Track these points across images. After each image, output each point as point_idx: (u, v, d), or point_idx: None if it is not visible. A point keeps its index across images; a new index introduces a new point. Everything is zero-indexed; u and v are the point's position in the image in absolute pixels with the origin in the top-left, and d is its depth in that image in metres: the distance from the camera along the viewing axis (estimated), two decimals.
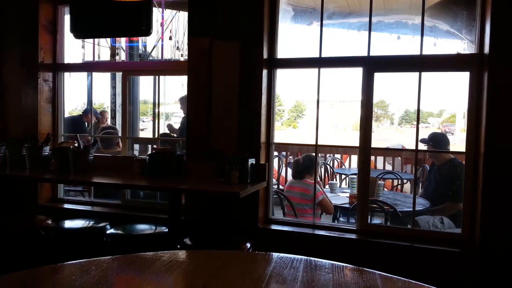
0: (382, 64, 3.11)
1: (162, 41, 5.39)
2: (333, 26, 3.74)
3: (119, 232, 2.91)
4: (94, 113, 5.59)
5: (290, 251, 1.67)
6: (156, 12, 4.51)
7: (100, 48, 5.80)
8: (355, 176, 3.75)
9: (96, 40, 5.26)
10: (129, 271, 1.44)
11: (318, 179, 5.57)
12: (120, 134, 4.16)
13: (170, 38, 5.65)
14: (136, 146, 5.15)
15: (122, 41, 5.85)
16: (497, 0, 2.67)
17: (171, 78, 4.43)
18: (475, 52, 2.87)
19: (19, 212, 3.65)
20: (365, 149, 3.11)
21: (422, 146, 3.78)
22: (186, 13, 3.65)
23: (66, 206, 3.85)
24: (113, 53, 5.84)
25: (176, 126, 5.15)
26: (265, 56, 3.20)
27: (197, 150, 3.29)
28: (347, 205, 3.87)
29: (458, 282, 2.78)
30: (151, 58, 5.90)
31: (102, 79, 6.86)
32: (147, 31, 3.37)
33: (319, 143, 3.33)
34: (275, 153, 5.86)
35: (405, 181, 5.86)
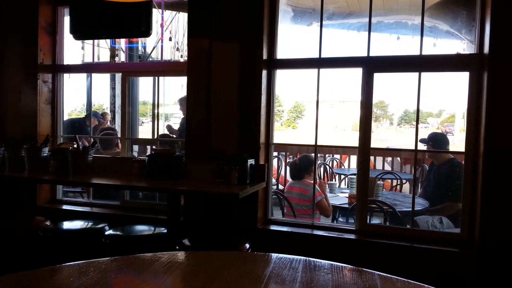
0: (381, 65, 3.11)
1: (162, 42, 5.39)
2: (333, 26, 3.74)
3: (118, 233, 2.90)
4: (96, 116, 5.59)
5: (289, 251, 1.67)
6: (156, 13, 4.51)
7: (100, 49, 5.80)
8: (354, 176, 3.75)
9: (96, 41, 5.26)
10: (127, 272, 1.44)
11: (318, 179, 5.57)
12: (119, 135, 4.16)
13: (170, 39, 5.65)
14: (135, 147, 5.15)
15: (122, 42, 5.85)
16: (496, 0, 2.67)
17: (171, 79, 4.43)
18: (475, 52, 2.87)
19: (18, 213, 3.64)
20: (364, 149, 3.11)
21: (421, 146, 3.78)
22: (186, 14, 3.65)
23: (65, 207, 3.84)
24: (113, 54, 5.84)
25: (176, 127, 5.15)
26: (264, 56, 3.20)
27: (197, 151, 3.29)
28: (346, 205, 3.87)
29: (457, 282, 2.78)
30: (150, 59, 5.90)
31: (101, 80, 6.87)
32: (146, 32, 3.37)
33: (318, 143, 3.33)
34: (275, 154, 5.86)
35: (404, 181, 5.86)
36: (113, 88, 6.55)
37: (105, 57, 5.92)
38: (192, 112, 3.32)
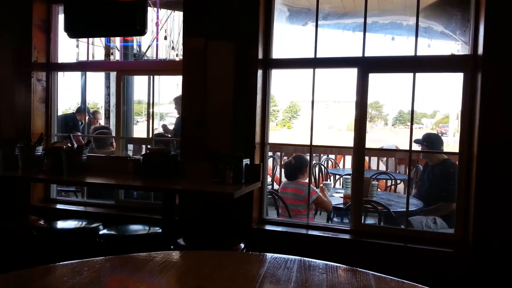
0: (376, 65, 3.12)
1: (157, 41, 5.37)
2: (328, 26, 3.75)
3: (112, 232, 2.89)
4: (87, 112, 5.56)
5: (284, 251, 1.67)
6: (151, 11, 4.50)
7: (94, 48, 5.77)
8: (349, 177, 3.75)
9: (90, 39, 5.24)
10: (122, 272, 1.43)
11: (314, 182, 5.58)
12: (114, 134, 4.14)
13: (165, 38, 5.63)
14: (130, 146, 5.13)
15: (117, 41, 5.82)
16: (491, 1, 2.69)
17: (166, 78, 4.42)
18: (469, 53, 2.89)
19: (12, 212, 3.62)
20: (359, 150, 3.12)
21: (416, 147, 3.79)
22: (181, 13, 3.64)
23: (59, 206, 3.82)
24: (108, 53, 5.81)
25: (171, 126, 5.13)
26: (260, 56, 3.20)
27: (192, 150, 3.28)
28: (341, 205, 3.88)
29: (451, 282, 2.80)
30: (145, 58, 5.88)
31: (96, 79, 6.83)
32: (142, 31, 3.35)
33: (313, 143, 3.33)
34: (269, 153, 5.86)
35: (398, 181, 5.89)
36: (107, 87, 6.51)
37: (99, 55, 5.89)
38: (187, 111, 3.32)
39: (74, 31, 3.58)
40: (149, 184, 3.04)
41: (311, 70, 3.24)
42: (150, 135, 4.02)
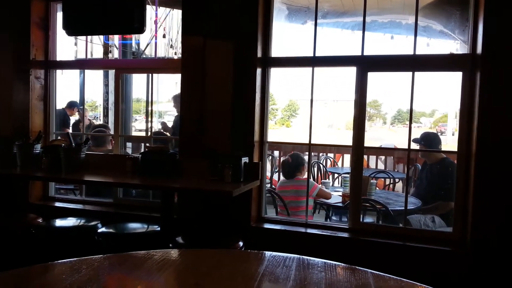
0: (375, 64, 3.12)
1: (156, 39, 5.36)
2: (327, 25, 3.75)
3: (111, 230, 2.89)
4: (76, 106, 5.53)
5: (283, 249, 1.67)
6: (150, 9, 4.49)
7: (93, 46, 5.76)
8: (348, 175, 3.76)
9: (89, 37, 5.22)
10: (120, 270, 1.43)
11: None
12: (112, 132, 4.13)
13: (164, 36, 5.63)
14: (129, 144, 5.12)
15: (115, 39, 5.81)
16: (490, 0, 2.69)
17: (165, 76, 4.41)
18: (468, 52, 2.89)
19: (10, 210, 3.61)
20: (358, 148, 3.12)
21: (414, 146, 3.80)
22: (180, 11, 3.63)
23: (57, 204, 3.82)
24: (106, 51, 5.80)
25: (169, 124, 5.13)
26: (259, 54, 3.20)
27: (190, 149, 3.28)
28: (340, 204, 3.88)
29: (449, 280, 2.80)
30: (144, 56, 5.87)
31: (94, 77, 6.82)
32: (140, 29, 3.33)
33: (312, 142, 3.33)
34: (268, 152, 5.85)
35: (397, 180, 5.90)
36: (106, 85, 6.51)
37: (98, 53, 5.88)
38: (186, 109, 3.31)
39: (72, 29, 3.56)
40: (147, 182, 3.03)
41: (310, 68, 3.24)
42: (149, 133, 4.01)
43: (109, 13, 3.30)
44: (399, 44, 3.73)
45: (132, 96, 5.38)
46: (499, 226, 2.71)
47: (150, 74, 3.89)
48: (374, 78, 3.11)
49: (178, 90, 3.51)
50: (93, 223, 3.10)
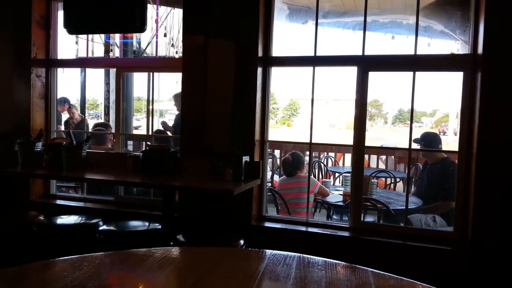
0: (376, 64, 3.12)
1: (157, 38, 5.37)
2: (328, 25, 3.75)
3: (112, 228, 2.89)
4: (67, 102, 5.52)
5: (284, 248, 1.67)
6: (151, 8, 4.49)
7: (94, 44, 5.77)
8: (349, 174, 3.77)
9: (90, 36, 5.23)
10: (121, 268, 1.44)
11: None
12: (113, 131, 4.14)
13: (165, 35, 5.63)
14: (130, 142, 5.13)
15: (116, 38, 5.82)
16: (490, 1, 2.69)
17: (166, 75, 4.42)
18: (469, 52, 2.89)
19: (11, 208, 3.62)
20: (359, 148, 3.13)
21: (415, 146, 3.80)
22: (181, 10, 3.63)
23: (59, 202, 3.82)
24: (107, 50, 5.81)
25: (170, 123, 5.13)
26: (260, 54, 3.20)
27: (191, 147, 3.28)
28: (341, 203, 3.89)
29: (449, 280, 2.81)
30: (145, 55, 5.88)
31: (95, 76, 6.83)
32: (141, 28, 3.34)
33: (313, 141, 3.34)
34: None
35: (398, 179, 5.89)
36: (107, 84, 6.51)
37: (99, 52, 5.89)
38: (187, 108, 3.32)
39: (73, 28, 3.57)
40: (148, 180, 3.04)
41: (311, 68, 3.24)
42: (150, 132, 4.02)
43: (110, 12, 3.30)
44: (400, 44, 3.73)
45: (133, 95, 5.39)
46: (500, 226, 2.71)
47: (151, 73, 3.89)
48: (375, 77, 3.11)
49: (179, 89, 3.52)
50: (94, 220, 3.10)
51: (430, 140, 4.08)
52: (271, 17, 3.28)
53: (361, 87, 3.09)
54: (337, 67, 3.41)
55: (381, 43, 3.74)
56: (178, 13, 5.51)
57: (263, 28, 3.23)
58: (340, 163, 7.38)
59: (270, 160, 6.54)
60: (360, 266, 1.42)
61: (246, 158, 3.05)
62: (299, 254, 1.51)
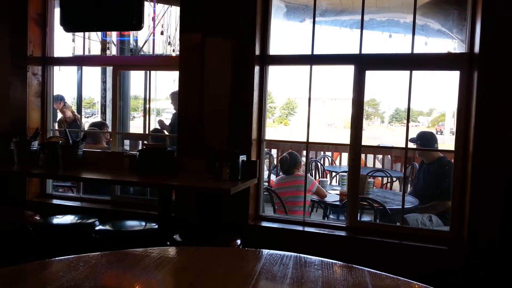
0: (373, 62, 3.12)
1: (154, 36, 5.35)
2: (326, 23, 3.75)
3: (108, 228, 2.89)
4: (62, 100, 5.50)
5: (280, 248, 1.68)
6: (148, 6, 4.48)
7: (91, 42, 5.75)
8: (346, 174, 3.77)
9: (87, 34, 5.21)
10: (118, 267, 1.43)
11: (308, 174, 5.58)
12: (110, 130, 4.12)
13: (162, 33, 5.62)
14: (126, 142, 5.11)
15: (113, 35, 5.79)
16: (487, 0, 2.69)
17: (163, 74, 4.41)
18: (466, 51, 2.90)
19: (7, 207, 3.60)
20: (355, 147, 3.13)
21: (411, 145, 3.80)
22: (178, 8, 3.62)
23: (55, 201, 3.81)
24: (104, 47, 5.79)
25: (167, 122, 5.12)
26: (257, 52, 3.19)
27: (188, 146, 3.27)
28: (338, 203, 3.89)
29: (446, 279, 2.81)
30: (142, 53, 5.85)
31: (92, 74, 6.80)
32: (138, 25, 3.32)
33: (310, 140, 3.34)
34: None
35: (394, 179, 5.91)
36: (104, 82, 6.49)
37: (96, 50, 5.86)
38: (184, 107, 3.31)
39: (70, 25, 3.55)
40: (145, 180, 3.03)
41: (308, 67, 3.24)
42: (147, 131, 4.01)
43: (107, 10, 3.29)
44: (397, 42, 3.73)
45: (130, 93, 5.37)
46: (496, 225, 2.72)
47: (148, 71, 3.88)
48: (372, 76, 3.11)
49: (176, 87, 3.50)
50: (90, 220, 3.09)
51: (426, 140, 4.09)
52: (269, 15, 3.27)
53: (358, 86, 3.09)
54: (334, 66, 3.41)
55: (378, 42, 3.74)
56: (175, 10, 5.49)
57: (261, 26, 3.23)
58: (337, 163, 7.38)
59: (267, 159, 6.54)
60: (356, 266, 1.42)
61: (243, 157, 3.04)
62: (296, 254, 1.51)
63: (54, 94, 4.09)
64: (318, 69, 3.27)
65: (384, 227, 3.17)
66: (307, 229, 3.17)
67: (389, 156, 6.98)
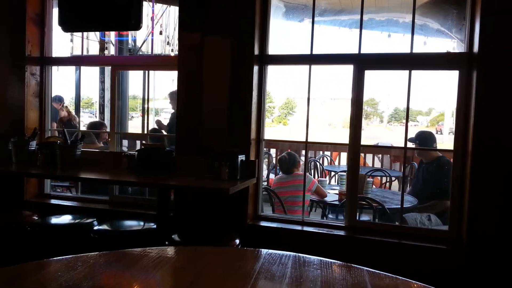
0: (372, 62, 3.12)
1: (152, 35, 5.34)
2: (325, 23, 3.75)
3: (107, 228, 2.88)
4: (60, 101, 5.49)
5: (279, 247, 1.67)
6: (147, 6, 4.47)
7: (89, 42, 5.73)
8: (345, 173, 3.77)
9: (85, 34, 5.19)
10: (116, 267, 1.43)
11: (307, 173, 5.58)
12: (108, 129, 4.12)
13: (161, 32, 5.61)
14: (125, 142, 5.10)
15: (112, 35, 5.79)
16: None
17: (161, 73, 4.40)
18: (465, 51, 2.90)
19: (5, 207, 3.59)
20: (354, 147, 3.13)
21: (410, 145, 3.80)
22: (177, 8, 3.61)
23: (53, 201, 3.80)
24: (102, 47, 5.78)
25: (166, 122, 5.11)
26: (256, 52, 3.19)
27: (187, 146, 3.27)
28: (337, 202, 3.89)
29: (444, 278, 2.81)
30: (141, 53, 5.85)
31: (90, 74, 6.79)
32: (137, 25, 3.32)
33: (309, 140, 3.33)
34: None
35: (393, 178, 5.91)
36: (102, 82, 6.48)
37: (94, 50, 5.85)
38: (183, 107, 3.30)
39: (68, 25, 3.54)
40: (143, 179, 3.02)
41: (307, 66, 3.24)
42: (145, 131, 4.00)
43: (105, 9, 3.28)
44: (396, 42, 3.73)
45: (128, 93, 5.35)
46: (495, 224, 2.72)
47: (147, 71, 3.87)
48: (371, 76, 3.11)
49: (174, 87, 3.50)
50: (89, 220, 3.08)
51: (425, 139, 4.09)
52: (268, 15, 3.27)
53: (357, 86, 3.09)
54: (333, 66, 3.41)
55: (377, 42, 3.74)
56: (174, 10, 5.49)
57: (260, 26, 3.22)
58: (336, 162, 7.39)
59: (266, 159, 6.54)
60: (355, 265, 1.42)
61: (242, 157, 3.04)
62: (295, 253, 1.51)
63: (54, 95, 4.09)
64: (317, 68, 3.27)
65: (383, 226, 3.17)
66: (306, 228, 3.17)
67: (388, 155, 6.98)
